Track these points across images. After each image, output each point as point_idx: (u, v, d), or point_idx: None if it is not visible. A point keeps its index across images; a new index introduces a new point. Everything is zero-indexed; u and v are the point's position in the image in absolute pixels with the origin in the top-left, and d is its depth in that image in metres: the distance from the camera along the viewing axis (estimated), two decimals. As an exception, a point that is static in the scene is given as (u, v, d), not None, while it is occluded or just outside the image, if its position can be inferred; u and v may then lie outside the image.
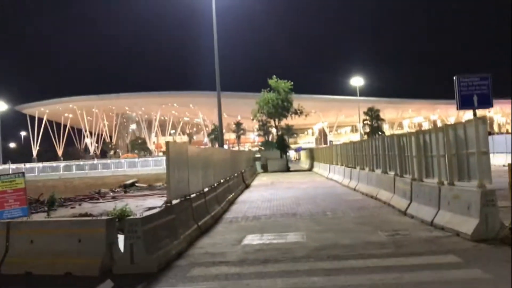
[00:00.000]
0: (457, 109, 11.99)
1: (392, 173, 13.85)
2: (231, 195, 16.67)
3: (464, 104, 11.80)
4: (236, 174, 21.09)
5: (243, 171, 24.73)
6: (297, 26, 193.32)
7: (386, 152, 14.72)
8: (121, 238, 7.13)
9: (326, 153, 31.98)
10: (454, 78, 11.77)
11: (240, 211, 13.64)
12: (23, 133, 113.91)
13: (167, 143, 8.64)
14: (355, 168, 20.17)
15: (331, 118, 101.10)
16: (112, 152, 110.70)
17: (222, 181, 15.90)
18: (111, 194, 24.28)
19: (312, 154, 44.00)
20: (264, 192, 19.78)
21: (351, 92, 73.85)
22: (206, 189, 12.35)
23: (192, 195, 10.50)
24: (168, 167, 8.54)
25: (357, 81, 69.73)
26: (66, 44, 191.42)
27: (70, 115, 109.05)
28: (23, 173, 9.15)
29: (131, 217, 7.48)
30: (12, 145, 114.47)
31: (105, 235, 6.90)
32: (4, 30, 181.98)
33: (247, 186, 23.30)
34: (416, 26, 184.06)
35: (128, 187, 27.44)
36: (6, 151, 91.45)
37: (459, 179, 9.08)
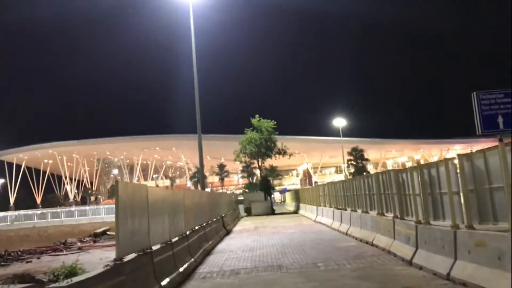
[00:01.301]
0: (478, 133, 10.12)
1: (390, 215, 12.14)
2: (208, 244, 14.67)
3: (487, 126, 9.94)
4: (215, 219, 19.10)
5: (223, 215, 22.73)
6: (280, 67, 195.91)
7: (382, 191, 13.06)
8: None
9: (313, 194, 30.20)
10: (472, 95, 10.00)
11: (217, 264, 11.66)
12: (0, 181, 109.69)
13: (117, 182, 6.80)
14: (345, 209, 18.41)
15: (315, 159, 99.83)
16: (93, 198, 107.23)
17: (197, 228, 13.96)
18: (79, 244, 22.05)
19: (297, 196, 42.14)
20: (247, 239, 17.78)
21: (335, 133, 73.18)
22: (175, 239, 10.44)
23: (155, 247, 8.58)
24: (117, 214, 6.67)
25: (339, 121, 69.25)
26: (44, 89, 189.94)
27: (50, 161, 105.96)
28: None
29: (55, 285, 5.55)
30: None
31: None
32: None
33: (228, 232, 21.26)
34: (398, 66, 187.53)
35: (98, 236, 25.28)
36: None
37: (481, 221, 7.42)
